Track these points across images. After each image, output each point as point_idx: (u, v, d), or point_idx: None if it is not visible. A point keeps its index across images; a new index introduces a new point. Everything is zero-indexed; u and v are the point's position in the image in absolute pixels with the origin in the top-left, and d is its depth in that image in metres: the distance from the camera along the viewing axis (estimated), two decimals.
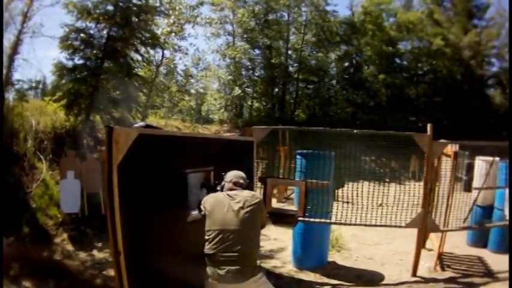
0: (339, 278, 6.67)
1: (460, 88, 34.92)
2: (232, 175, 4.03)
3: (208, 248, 3.62)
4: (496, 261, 7.64)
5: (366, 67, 35.32)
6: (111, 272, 6.07)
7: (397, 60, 36.45)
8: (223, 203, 3.67)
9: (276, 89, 33.48)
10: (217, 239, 3.56)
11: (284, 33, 32.50)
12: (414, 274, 6.79)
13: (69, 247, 7.77)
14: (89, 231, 8.45)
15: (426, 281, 6.64)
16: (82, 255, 7.42)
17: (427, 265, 7.27)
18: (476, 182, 8.38)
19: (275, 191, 12.11)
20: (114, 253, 3.42)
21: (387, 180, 16.09)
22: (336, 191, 9.20)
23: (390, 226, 6.96)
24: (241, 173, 4.10)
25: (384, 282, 6.63)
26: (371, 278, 6.79)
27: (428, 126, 6.59)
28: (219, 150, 5.16)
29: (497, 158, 8.21)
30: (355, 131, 6.75)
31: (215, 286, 3.57)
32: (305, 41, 33.25)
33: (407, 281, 6.62)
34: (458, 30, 36.72)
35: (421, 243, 6.91)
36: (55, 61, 13.94)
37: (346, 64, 36.03)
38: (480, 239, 8.71)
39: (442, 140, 6.77)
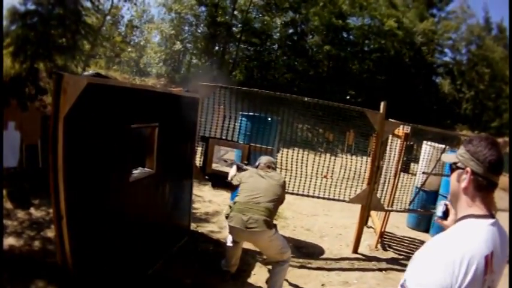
0: None
1: (407, 71, 36.37)
2: (266, 160, 5.23)
3: (238, 198, 4.76)
4: None
5: (311, 36, 36.07)
6: (49, 233, 5.94)
7: (345, 34, 37.48)
8: (257, 175, 4.91)
9: (217, 48, 33.92)
10: (247, 193, 4.70)
11: None
12: (355, 251, 6.90)
13: (8, 205, 7.34)
14: (26, 186, 7.99)
15: (368, 259, 6.77)
16: (20, 214, 7.03)
17: (367, 243, 7.40)
18: (422, 166, 8.58)
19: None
20: (56, 218, 3.13)
21: (321, 150, 16.41)
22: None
23: (334, 200, 6.92)
24: (272, 159, 5.34)
25: (324, 256, 6.70)
26: (311, 250, 6.85)
27: (382, 104, 6.62)
28: (166, 105, 5.02)
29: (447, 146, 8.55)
30: (306, 99, 6.66)
31: (234, 230, 4.59)
32: (253, 3, 33.75)
33: (349, 257, 6.73)
34: (414, 16, 38.20)
35: (363, 220, 7.00)
36: (9, 6, 13.43)
37: (291, 31, 36.64)
38: (421, 223, 9.01)
39: (393, 120, 6.83)
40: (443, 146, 8.20)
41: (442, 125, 29.40)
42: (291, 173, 6.99)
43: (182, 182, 6.02)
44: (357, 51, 37.83)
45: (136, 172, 4.43)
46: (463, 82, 41.31)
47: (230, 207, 4.80)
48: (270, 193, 4.67)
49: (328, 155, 7.88)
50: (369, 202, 6.74)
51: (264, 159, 5.25)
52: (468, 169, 1.66)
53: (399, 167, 7.11)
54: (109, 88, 3.71)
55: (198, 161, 6.52)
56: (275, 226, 4.73)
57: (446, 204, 2.07)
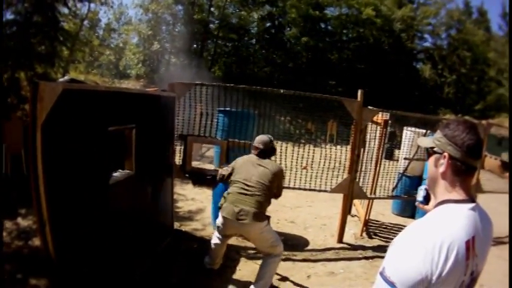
0: None
1: (386, 58, 36.61)
2: (256, 141, 5.08)
3: (231, 188, 4.81)
4: None
5: (289, 29, 36.25)
6: (37, 242, 5.83)
7: (322, 25, 37.79)
8: (249, 164, 4.85)
9: (195, 45, 34.13)
10: (240, 184, 4.72)
11: None
12: (340, 240, 6.99)
13: None
14: (13, 195, 8.02)
15: (354, 247, 6.88)
16: (8, 224, 7.04)
17: (352, 231, 7.50)
18: (404, 152, 8.78)
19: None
20: (39, 224, 3.20)
21: (303, 141, 16.56)
22: None
23: (316, 190, 6.93)
24: (263, 138, 5.08)
25: (309, 247, 6.80)
26: (296, 242, 6.93)
27: (359, 92, 6.69)
28: (142, 106, 5.04)
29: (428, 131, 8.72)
30: (281, 91, 6.68)
31: (226, 221, 4.64)
32: None
33: (334, 247, 6.83)
34: (392, 3, 38.63)
35: (346, 209, 7.08)
36: None
37: (269, 24, 36.88)
38: (406, 209, 9.18)
39: (372, 108, 6.89)
40: (424, 131, 8.36)
41: (424, 110, 29.75)
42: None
43: (163, 182, 6.06)
44: (335, 41, 38.09)
45: (116, 174, 4.48)
46: (444, 67, 41.79)
47: (224, 197, 4.86)
48: (262, 184, 4.67)
49: (310, 146, 7.97)
50: (350, 191, 6.81)
51: (255, 141, 5.13)
52: (446, 154, 1.67)
53: (380, 154, 7.19)
54: (84, 93, 3.72)
55: (178, 159, 6.55)
56: (268, 218, 4.79)
57: (426, 189, 2.11)
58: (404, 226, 6.69)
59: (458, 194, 1.64)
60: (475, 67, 41.65)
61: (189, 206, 8.43)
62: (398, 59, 38.17)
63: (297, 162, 7.00)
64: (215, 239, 5.02)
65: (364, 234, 7.51)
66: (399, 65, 38.06)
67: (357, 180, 7.10)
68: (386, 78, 35.95)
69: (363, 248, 6.92)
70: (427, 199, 2.12)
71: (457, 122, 1.70)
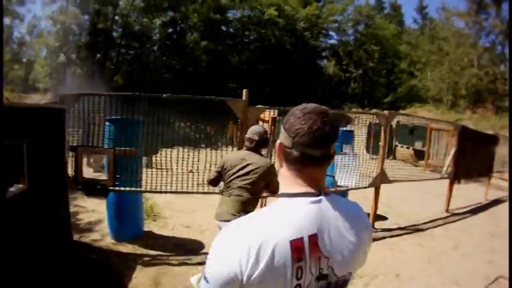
0: (158, 248, 6.79)
1: (289, 57, 37.44)
2: (248, 132, 4.87)
3: (224, 187, 4.79)
4: None
5: (190, 34, 36.48)
6: None
7: (224, 28, 38.49)
8: (240, 162, 4.67)
9: (99, 55, 34.02)
10: (230, 184, 4.65)
11: None
12: None
13: None
14: None
15: None
16: None
17: None
18: None
19: (92, 160, 11.73)
20: None
21: (203, 145, 16.91)
22: (148, 158, 10.02)
23: (204, 193, 7.15)
24: (257, 129, 4.89)
25: (205, 250, 6.83)
26: (191, 246, 7.01)
27: (244, 91, 6.78)
28: (34, 119, 5.03)
29: None
30: (164, 95, 6.69)
31: (217, 223, 4.63)
32: (133, 6, 34.30)
33: None
34: (297, 2, 39.40)
35: None
36: None
37: (170, 30, 37.31)
38: None
39: (258, 106, 6.99)
40: None
41: (330, 106, 30.79)
42: (167, 172, 7.18)
43: (57, 195, 6.04)
44: (236, 44, 38.88)
45: (12, 189, 4.48)
46: (350, 62, 42.99)
47: (222, 192, 4.89)
48: (247, 182, 4.60)
49: (208, 149, 7.97)
50: None
51: (248, 132, 4.91)
52: (278, 142, 1.58)
53: (271, 151, 7.34)
54: None
55: (70, 171, 6.49)
56: None
57: None
58: None
59: (296, 187, 1.53)
60: (384, 60, 43.18)
61: (89, 218, 8.37)
62: (302, 58, 39.06)
63: (187, 166, 7.10)
64: None
65: None
66: (302, 63, 38.91)
67: None
68: (290, 77, 36.81)
69: None
70: None
71: (296, 109, 1.57)
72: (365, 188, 8.71)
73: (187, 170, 7.23)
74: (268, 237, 1.38)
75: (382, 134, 8.51)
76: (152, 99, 7.02)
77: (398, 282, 6.09)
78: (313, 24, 40.84)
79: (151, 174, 7.04)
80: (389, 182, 8.84)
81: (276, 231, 1.40)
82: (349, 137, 9.20)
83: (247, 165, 4.64)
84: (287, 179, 1.56)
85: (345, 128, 9.58)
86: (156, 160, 9.03)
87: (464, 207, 11.35)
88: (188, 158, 7.05)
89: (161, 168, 7.40)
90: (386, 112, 8.76)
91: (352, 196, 9.65)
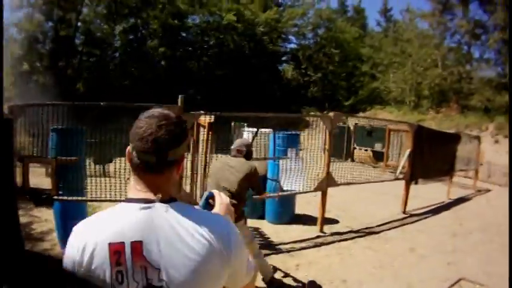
0: None
1: (248, 62, 37.74)
2: (237, 144, 5.37)
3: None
4: (277, 231, 8.26)
5: (150, 40, 36.75)
6: None
7: (184, 34, 38.75)
8: (224, 167, 5.14)
9: (61, 63, 33.78)
10: (213, 186, 4.96)
11: (78, 5, 33.27)
12: None
13: None
14: None
15: None
16: None
17: None
18: None
19: (49, 170, 11.89)
20: None
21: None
22: (100, 167, 10.22)
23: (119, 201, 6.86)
24: (244, 141, 5.64)
25: None
26: None
27: (179, 97, 6.84)
28: None
29: (268, 130, 8.92)
30: (101, 103, 6.64)
31: None
32: (96, 13, 34.60)
33: None
34: (257, 7, 39.50)
35: None
36: None
37: (132, 37, 37.24)
38: (254, 210, 8.99)
39: (194, 112, 7.01)
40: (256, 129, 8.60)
41: (288, 110, 30.95)
42: (120, 180, 7.15)
43: (6, 204, 5.80)
44: (195, 49, 39.14)
45: None
46: (309, 66, 43.19)
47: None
48: (234, 186, 4.92)
49: None
50: (180, 197, 6.68)
51: (235, 144, 5.40)
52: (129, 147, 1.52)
53: (208, 157, 7.25)
54: None
55: (19, 181, 6.46)
56: (242, 218, 5.00)
57: (208, 197, 1.90)
58: (253, 227, 6.76)
59: (135, 192, 1.49)
60: (345, 64, 43.39)
61: (41, 227, 8.22)
62: (261, 62, 39.31)
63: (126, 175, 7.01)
64: None
65: None
66: (261, 67, 39.15)
67: (184, 186, 7.16)
68: (248, 82, 36.93)
69: None
70: (209, 206, 1.87)
71: (142, 113, 1.54)
72: (310, 192, 8.53)
73: (126, 178, 7.13)
74: (93, 238, 1.40)
75: (327, 137, 8.35)
76: (104, 108, 6.87)
77: None
78: (272, 28, 40.98)
79: (100, 183, 7.23)
80: (337, 185, 8.66)
81: (99, 233, 1.41)
82: (293, 140, 8.98)
83: (231, 169, 5.05)
84: (131, 185, 1.54)
85: (289, 132, 9.26)
86: (109, 169, 9.33)
87: (424, 208, 11.14)
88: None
89: (114, 177, 7.59)
90: (331, 114, 8.57)
91: (304, 200, 9.63)
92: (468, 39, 34.00)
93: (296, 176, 8.45)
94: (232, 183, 4.93)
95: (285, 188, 8.33)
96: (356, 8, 51.83)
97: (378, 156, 20.26)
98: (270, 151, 9.06)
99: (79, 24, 34.72)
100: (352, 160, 21.23)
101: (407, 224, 9.43)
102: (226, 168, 5.08)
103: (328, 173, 8.33)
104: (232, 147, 5.36)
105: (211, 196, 1.89)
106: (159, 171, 1.48)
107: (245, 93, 34.79)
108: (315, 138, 9.48)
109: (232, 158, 5.21)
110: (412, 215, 10.20)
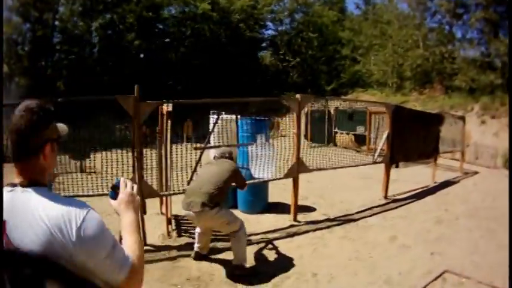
0: None
1: (225, 50, 37.61)
2: (221, 150, 6.34)
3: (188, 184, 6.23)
4: (248, 221, 7.67)
5: (128, 34, 36.55)
6: None
7: (161, 26, 39.01)
8: (209, 165, 6.03)
9: (42, 63, 34.32)
10: (195, 181, 5.81)
11: (55, 4, 33.71)
12: (145, 243, 6.57)
13: None
14: None
15: (158, 249, 6.57)
16: None
17: (161, 232, 7.14)
18: (213, 140, 8.54)
19: None
20: None
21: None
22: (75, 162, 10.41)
23: (94, 196, 6.68)
24: (227, 149, 6.36)
25: None
26: None
27: (135, 87, 6.56)
28: None
29: (231, 116, 8.55)
30: (59, 99, 6.39)
31: (184, 212, 5.51)
32: (72, 11, 34.73)
33: None
34: None
35: (142, 210, 6.67)
36: None
37: (110, 32, 37.17)
38: (226, 200, 8.57)
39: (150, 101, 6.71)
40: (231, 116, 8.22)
41: (270, 96, 30.57)
42: (96, 175, 7.48)
43: None
44: (171, 40, 39.18)
45: None
46: (287, 51, 42.93)
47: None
48: (215, 179, 5.48)
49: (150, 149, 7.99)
50: (140, 190, 6.28)
51: (219, 150, 6.39)
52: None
53: (168, 147, 7.16)
54: None
55: None
56: (218, 205, 5.36)
57: (114, 185, 1.91)
58: None
59: (15, 178, 1.61)
60: (325, 48, 43.03)
61: None
62: (238, 50, 39.03)
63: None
64: (197, 229, 5.95)
65: (175, 233, 7.19)
66: (239, 55, 38.94)
67: (145, 178, 6.84)
68: (227, 70, 36.87)
69: (169, 248, 6.61)
70: (115, 194, 1.89)
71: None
72: (280, 179, 8.18)
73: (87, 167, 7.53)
74: None
75: (295, 120, 7.93)
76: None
77: (314, 283, 5.35)
78: (249, 15, 40.83)
79: (76, 178, 7.56)
80: (309, 171, 8.23)
81: None
82: (261, 126, 8.57)
83: (217, 167, 5.77)
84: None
85: (257, 117, 8.78)
86: (89, 164, 9.52)
87: (408, 192, 10.63)
88: (122, 160, 7.30)
89: (95, 172, 7.94)
90: (298, 96, 8.03)
91: (280, 187, 9.24)
92: (449, 18, 33.50)
93: (266, 162, 8.13)
94: (216, 178, 5.49)
95: (255, 176, 8.03)
96: None
97: (361, 140, 19.91)
98: (240, 138, 8.51)
99: (56, 23, 34.91)
100: (335, 145, 20.82)
101: (388, 210, 8.88)
102: (211, 167, 5.88)
103: (299, 159, 7.84)
104: (216, 154, 6.25)
105: (117, 184, 1.90)
106: (24, 159, 1.59)
107: (225, 81, 34.61)
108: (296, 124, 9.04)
109: (217, 160, 6.00)
110: (394, 200, 9.68)
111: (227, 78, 35.66)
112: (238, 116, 8.64)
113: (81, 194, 6.84)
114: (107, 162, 7.23)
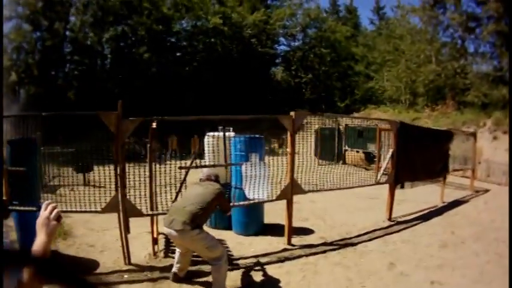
0: None
1: (236, 65, 37.62)
2: (207, 172, 6.27)
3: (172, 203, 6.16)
4: (241, 244, 7.59)
5: (139, 46, 36.62)
6: None
7: (173, 39, 38.93)
8: (195, 186, 6.00)
9: (52, 72, 34.35)
10: (180, 201, 5.85)
11: (65, 14, 33.76)
12: (129, 262, 6.64)
13: None
14: None
15: (142, 269, 6.48)
16: None
17: (148, 252, 7.06)
18: (208, 159, 8.36)
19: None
20: None
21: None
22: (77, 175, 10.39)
23: (85, 212, 6.98)
24: (213, 171, 6.35)
25: (98, 270, 6.51)
26: (86, 266, 6.64)
27: (118, 103, 6.47)
28: None
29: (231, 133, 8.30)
30: (43, 113, 6.70)
31: (165, 230, 5.40)
32: (83, 21, 34.68)
33: (121, 269, 6.46)
34: (245, 9, 39.14)
35: (125, 229, 6.56)
36: None
37: (122, 44, 37.25)
38: (217, 221, 8.42)
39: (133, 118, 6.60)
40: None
41: (282, 113, 30.34)
42: (99, 189, 7.15)
43: None
44: (183, 54, 38.99)
45: None
46: (299, 67, 42.95)
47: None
48: (199, 200, 5.44)
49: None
50: (123, 209, 6.41)
51: (205, 172, 6.33)
52: None
53: (152, 166, 7.14)
54: None
55: None
56: (198, 227, 5.31)
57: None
58: (217, 239, 5.87)
59: None
60: (337, 63, 43.13)
61: (13, 236, 7.61)
62: (249, 65, 39.05)
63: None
64: (178, 248, 5.91)
65: (162, 253, 7.11)
66: (251, 70, 38.92)
67: (128, 197, 6.68)
68: (238, 85, 36.86)
69: (152, 268, 6.52)
70: None
71: None
72: (272, 201, 7.79)
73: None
74: None
75: (289, 139, 7.70)
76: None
77: None
78: (261, 30, 40.79)
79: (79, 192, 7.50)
80: (303, 192, 7.87)
81: None
82: (256, 145, 8.18)
83: (200, 189, 5.75)
84: None
85: (251, 136, 8.47)
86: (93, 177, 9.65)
87: (414, 213, 10.25)
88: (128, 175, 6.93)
89: (98, 186, 7.58)
90: (292, 113, 7.80)
91: (279, 207, 8.51)
92: (462, 32, 33.10)
93: (260, 183, 7.68)
94: (200, 199, 5.47)
95: (249, 197, 7.68)
96: (348, 7, 51.44)
97: (371, 158, 19.56)
98: (234, 157, 8.22)
99: (67, 33, 35.00)
100: (344, 163, 20.47)
101: (391, 233, 8.49)
102: (196, 187, 5.87)
103: (293, 180, 7.54)
104: (201, 176, 6.17)
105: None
106: None
107: (235, 97, 34.59)
108: (306, 141, 9.06)
109: (202, 183, 5.96)
110: (398, 223, 9.30)
111: (238, 94, 35.66)
112: (232, 134, 8.33)
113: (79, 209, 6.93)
114: (104, 176, 6.97)
